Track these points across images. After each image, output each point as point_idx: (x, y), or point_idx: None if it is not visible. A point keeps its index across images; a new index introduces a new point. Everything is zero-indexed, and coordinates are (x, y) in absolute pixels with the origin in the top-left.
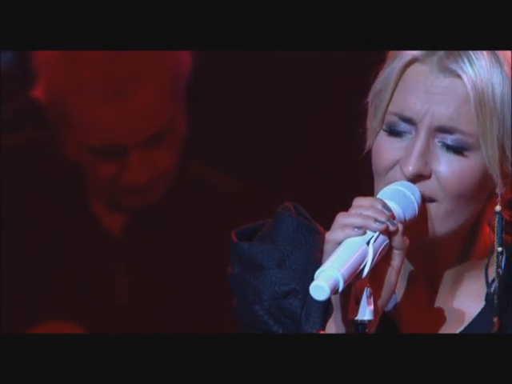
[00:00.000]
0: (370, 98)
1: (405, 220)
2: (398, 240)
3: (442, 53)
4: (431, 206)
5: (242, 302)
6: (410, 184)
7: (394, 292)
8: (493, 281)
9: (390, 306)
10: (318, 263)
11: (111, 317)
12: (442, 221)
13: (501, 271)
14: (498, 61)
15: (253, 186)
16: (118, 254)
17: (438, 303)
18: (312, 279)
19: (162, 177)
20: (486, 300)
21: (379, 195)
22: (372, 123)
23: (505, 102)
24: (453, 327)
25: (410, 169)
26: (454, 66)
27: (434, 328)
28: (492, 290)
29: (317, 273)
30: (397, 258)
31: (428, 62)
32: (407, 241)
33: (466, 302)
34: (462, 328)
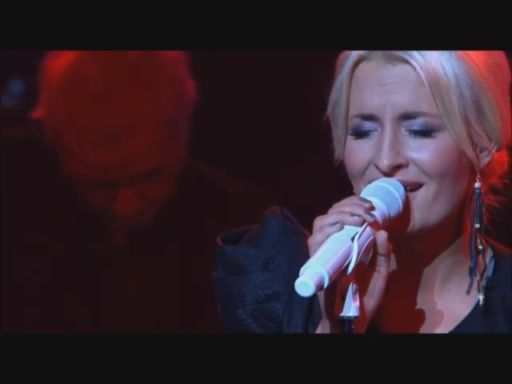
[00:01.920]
0: (329, 111)
1: (389, 216)
2: (382, 246)
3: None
4: (419, 192)
5: (226, 306)
6: (393, 180)
7: (381, 298)
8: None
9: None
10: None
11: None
12: (431, 206)
13: (482, 259)
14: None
15: (254, 189)
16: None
17: (426, 303)
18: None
19: (154, 206)
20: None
21: (363, 193)
22: (337, 133)
23: (458, 77)
24: (441, 328)
25: (385, 162)
26: (399, 53)
27: (421, 329)
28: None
29: (302, 269)
30: (382, 264)
31: (373, 57)
32: (391, 246)
33: (455, 301)
34: (451, 329)
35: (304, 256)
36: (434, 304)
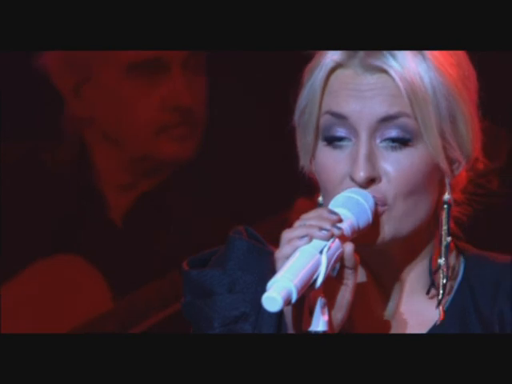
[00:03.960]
0: (296, 118)
1: (358, 228)
2: (349, 258)
3: (361, 53)
4: (385, 211)
5: (196, 330)
6: (362, 190)
7: (349, 311)
8: (436, 270)
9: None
10: None
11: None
12: (400, 220)
13: (446, 267)
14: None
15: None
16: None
17: (396, 313)
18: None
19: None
20: (427, 292)
21: (331, 204)
22: (305, 140)
23: (435, 88)
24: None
25: (362, 174)
26: (377, 63)
27: None
28: (435, 281)
29: (269, 284)
30: (350, 277)
31: (350, 64)
32: (358, 258)
33: (426, 307)
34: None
35: (271, 275)
36: (404, 313)
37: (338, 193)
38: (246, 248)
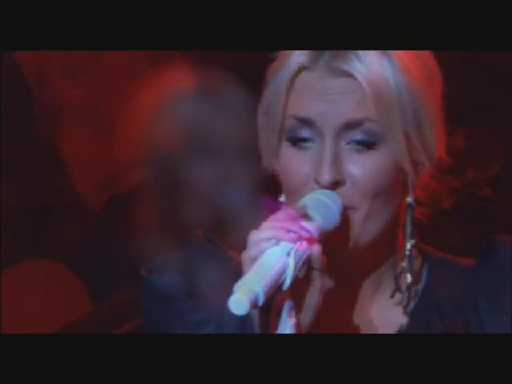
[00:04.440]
0: (259, 118)
1: (326, 229)
2: (317, 260)
3: (327, 55)
4: (350, 214)
5: None
6: (330, 192)
7: (317, 313)
8: (400, 274)
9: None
10: (229, 290)
11: None
12: (364, 224)
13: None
14: (384, 51)
15: None
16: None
17: (362, 316)
18: (223, 305)
19: None
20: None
21: (299, 205)
22: (269, 141)
23: (401, 93)
24: None
25: (327, 177)
26: (343, 66)
27: None
28: (400, 285)
29: (236, 286)
30: (318, 278)
31: (315, 68)
32: (326, 260)
33: (390, 311)
34: None
35: (230, 278)
36: (370, 316)
37: (302, 194)
38: (204, 252)
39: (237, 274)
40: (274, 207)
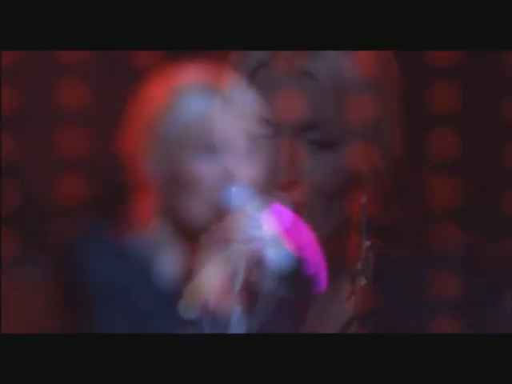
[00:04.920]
0: None
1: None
2: (268, 262)
3: (287, 54)
4: (304, 212)
5: None
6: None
7: (269, 316)
8: (355, 275)
9: None
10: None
11: None
12: (316, 225)
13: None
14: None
15: None
16: None
17: (319, 315)
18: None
19: None
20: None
21: (250, 207)
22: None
23: (360, 92)
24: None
25: (283, 176)
26: (303, 66)
27: None
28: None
29: (185, 291)
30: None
31: (275, 65)
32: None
33: (343, 310)
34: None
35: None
36: (326, 316)
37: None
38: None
39: None
40: (281, 211)
